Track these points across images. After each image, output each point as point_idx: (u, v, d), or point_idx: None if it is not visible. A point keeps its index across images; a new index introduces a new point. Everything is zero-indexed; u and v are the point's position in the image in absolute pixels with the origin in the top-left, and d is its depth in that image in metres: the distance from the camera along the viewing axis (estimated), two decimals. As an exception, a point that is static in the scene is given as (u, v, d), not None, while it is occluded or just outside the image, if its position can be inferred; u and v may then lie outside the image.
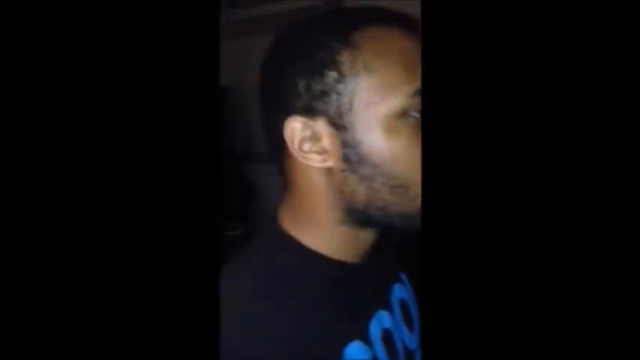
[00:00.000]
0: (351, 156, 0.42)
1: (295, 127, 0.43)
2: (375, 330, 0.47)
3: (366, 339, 0.45)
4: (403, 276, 0.57)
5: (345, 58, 0.41)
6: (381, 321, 0.48)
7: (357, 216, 0.44)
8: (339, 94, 0.41)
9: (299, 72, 0.42)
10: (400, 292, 0.54)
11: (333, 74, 0.41)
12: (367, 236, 0.47)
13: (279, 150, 0.46)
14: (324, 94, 0.41)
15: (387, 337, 0.48)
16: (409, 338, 0.52)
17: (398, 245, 0.55)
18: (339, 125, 0.42)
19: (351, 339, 0.44)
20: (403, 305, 0.54)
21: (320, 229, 0.45)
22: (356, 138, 0.41)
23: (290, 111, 0.43)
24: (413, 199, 0.43)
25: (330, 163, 0.43)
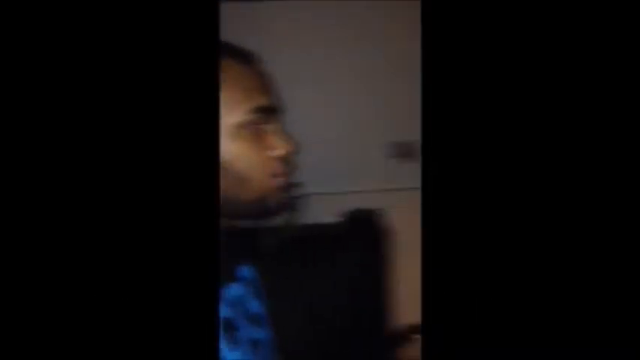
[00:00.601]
0: None
1: None
2: (228, 295, 0.58)
3: (221, 300, 0.56)
4: (247, 261, 0.68)
5: None
6: (232, 290, 0.60)
7: None
8: None
9: None
10: (246, 272, 0.66)
11: None
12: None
13: None
14: None
15: (240, 300, 0.60)
16: (257, 306, 0.64)
17: (242, 235, 0.66)
18: None
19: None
20: (248, 282, 0.65)
21: None
22: None
23: None
24: (253, 191, 0.55)
25: None
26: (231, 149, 0.53)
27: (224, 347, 0.53)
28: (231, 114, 0.53)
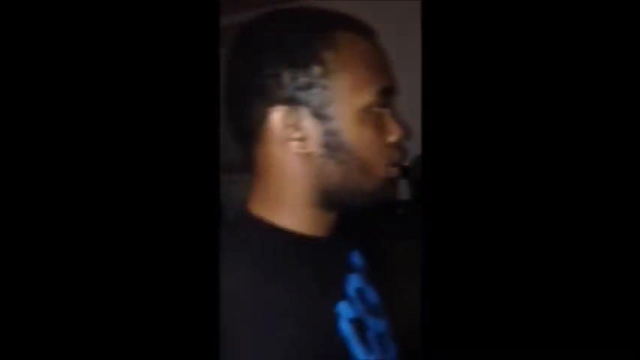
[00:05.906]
0: (330, 143, 0.48)
1: (280, 116, 0.48)
2: (351, 290, 0.53)
3: (347, 298, 0.51)
4: (357, 246, 0.65)
5: (327, 56, 0.47)
6: (352, 282, 0.55)
7: (329, 197, 0.50)
8: (322, 87, 0.47)
9: (283, 65, 0.47)
10: (357, 259, 0.62)
11: (318, 69, 0.47)
12: (333, 215, 0.54)
13: (252, 138, 0.50)
14: (309, 86, 0.47)
15: (361, 294, 0.55)
16: (373, 295, 0.60)
17: (355, 220, 0.61)
18: (321, 115, 0.48)
19: (336, 300, 0.49)
20: (361, 269, 0.61)
21: (291, 210, 0.51)
22: (335, 127, 0.48)
23: (275, 101, 0.48)
24: (375, 179, 0.50)
25: (309, 150, 0.48)
26: (358, 135, 0.48)
27: (359, 350, 0.48)
28: (360, 95, 0.48)
